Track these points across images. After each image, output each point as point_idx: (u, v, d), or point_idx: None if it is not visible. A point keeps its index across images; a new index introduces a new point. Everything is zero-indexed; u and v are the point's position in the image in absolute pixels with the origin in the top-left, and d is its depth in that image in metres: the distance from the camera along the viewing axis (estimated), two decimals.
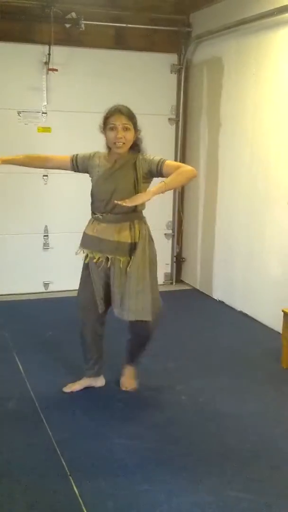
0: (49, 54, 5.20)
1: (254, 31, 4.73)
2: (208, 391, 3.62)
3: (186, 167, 3.11)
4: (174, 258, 6.19)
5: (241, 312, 5.16)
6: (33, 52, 5.28)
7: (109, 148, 3.24)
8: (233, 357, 4.19)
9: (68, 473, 2.71)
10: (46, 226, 5.60)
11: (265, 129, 4.70)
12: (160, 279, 6.14)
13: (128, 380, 3.58)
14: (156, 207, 6.09)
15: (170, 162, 3.17)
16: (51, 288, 5.70)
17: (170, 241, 6.16)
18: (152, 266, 3.27)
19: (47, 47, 5.19)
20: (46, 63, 5.25)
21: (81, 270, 3.41)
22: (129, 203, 2.96)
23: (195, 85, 5.78)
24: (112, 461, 2.83)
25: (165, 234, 6.10)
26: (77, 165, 3.26)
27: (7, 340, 4.38)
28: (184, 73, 5.79)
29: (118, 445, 2.97)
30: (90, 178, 3.28)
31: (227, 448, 2.97)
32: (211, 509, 2.48)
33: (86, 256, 3.30)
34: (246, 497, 2.56)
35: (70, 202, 5.55)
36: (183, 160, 5.97)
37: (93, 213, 3.30)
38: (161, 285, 6.01)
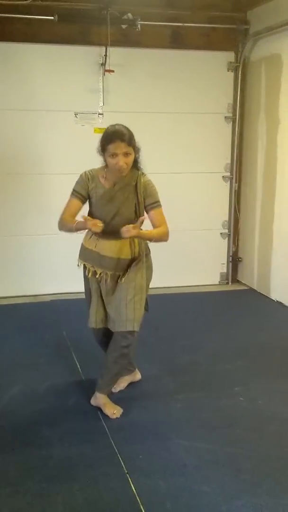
0: (105, 55, 5.24)
1: None
2: (267, 393, 3.56)
3: (165, 231, 3.14)
4: (230, 257, 6.13)
5: None
6: (89, 53, 5.34)
7: (106, 166, 3.19)
8: None
9: (126, 472, 2.72)
10: None
11: None
12: (216, 279, 6.12)
13: (112, 407, 3.34)
14: (212, 207, 6.11)
15: (157, 213, 3.17)
16: None
17: (226, 240, 6.10)
18: (144, 277, 3.25)
19: (103, 48, 5.24)
20: (103, 64, 5.29)
21: (85, 284, 3.38)
22: (127, 234, 2.95)
23: (252, 83, 5.70)
24: (171, 461, 2.82)
25: (221, 233, 6.05)
26: (83, 197, 3.20)
27: (65, 339, 4.43)
28: (241, 71, 5.72)
29: (177, 445, 2.96)
30: (89, 199, 3.23)
31: (287, 451, 2.91)
32: None
33: (88, 270, 3.26)
34: None
35: None
36: (240, 159, 5.91)
37: None
38: (216, 285, 6.05)
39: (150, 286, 3.36)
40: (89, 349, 4.23)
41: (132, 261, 3.20)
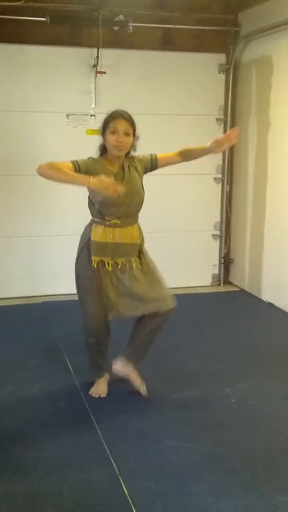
0: (97, 57, 5.24)
1: None
2: (257, 394, 3.57)
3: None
4: (222, 259, 6.14)
5: None
6: (81, 55, 5.34)
7: (103, 152, 3.24)
8: (283, 359, 4.12)
9: (118, 473, 2.72)
10: None
11: None
12: (208, 280, 6.13)
13: (142, 381, 3.49)
14: (204, 208, 6.12)
15: (161, 154, 3.30)
16: None
17: (218, 242, 6.11)
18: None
19: (95, 50, 5.24)
20: (95, 66, 5.29)
21: (82, 282, 3.35)
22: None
23: (243, 85, 5.72)
24: (162, 462, 2.82)
25: (212, 235, 6.06)
26: (78, 171, 3.11)
27: (57, 341, 4.43)
28: (232, 73, 5.74)
29: (168, 446, 2.96)
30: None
31: (278, 452, 2.92)
32: None
33: (106, 263, 3.23)
34: None
35: None
36: (231, 160, 5.93)
37: (105, 220, 3.20)
38: (208, 286, 6.07)
39: None
40: (81, 350, 4.23)
41: (140, 246, 3.30)
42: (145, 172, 3.30)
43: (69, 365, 3.98)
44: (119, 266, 3.24)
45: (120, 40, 5.38)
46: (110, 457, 2.86)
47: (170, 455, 2.89)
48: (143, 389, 3.47)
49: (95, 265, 3.24)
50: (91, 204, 3.26)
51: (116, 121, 3.12)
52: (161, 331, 3.38)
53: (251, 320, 5.10)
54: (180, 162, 3.34)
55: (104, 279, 3.27)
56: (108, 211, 3.19)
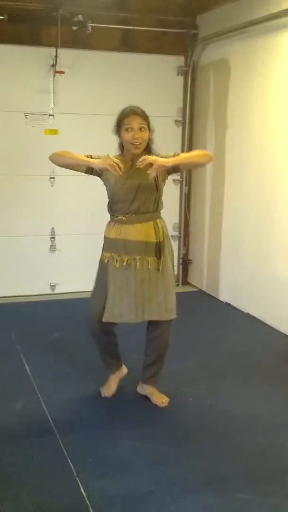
0: (56, 56, 5.21)
1: (261, 33, 4.73)
2: (215, 393, 3.61)
3: (202, 150, 3.18)
4: (181, 260, 6.19)
5: (248, 314, 5.14)
6: (40, 54, 5.30)
7: (121, 150, 3.24)
8: (240, 359, 4.18)
9: (75, 474, 2.71)
10: (53, 228, 5.61)
11: (272, 131, 4.70)
12: None
13: (160, 396, 3.46)
14: (163, 209, 6.14)
15: (184, 153, 3.21)
16: (58, 290, 5.70)
17: (177, 243, 6.15)
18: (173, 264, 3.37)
19: (54, 49, 5.20)
20: (53, 65, 5.26)
21: (97, 278, 3.33)
22: (156, 166, 2.94)
23: (202, 87, 5.78)
24: (120, 462, 2.83)
25: (171, 235, 6.03)
26: (92, 167, 3.13)
27: (14, 342, 4.39)
28: (190, 75, 5.79)
29: (126, 446, 2.97)
30: (105, 182, 3.22)
31: (235, 450, 2.96)
32: (219, 511, 2.47)
33: (115, 260, 3.20)
34: (255, 500, 2.55)
35: (76, 204, 5.57)
36: None
37: (114, 216, 3.24)
38: None
39: None
40: (38, 351, 4.22)
41: (158, 245, 3.20)
42: (168, 173, 3.20)
43: (26, 366, 3.94)
44: (124, 264, 3.17)
45: (79, 40, 5.36)
46: (68, 459, 2.84)
47: (129, 455, 2.89)
48: (163, 403, 3.42)
49: (106, 261, 3.23)
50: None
51: (130, 118, 3.11)
52: (168, 343, 3.38)
53: (208, 319, 5.15)
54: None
55: (113, 277, 3.21)
56: (116, 207, 3.20)
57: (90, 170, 3.17)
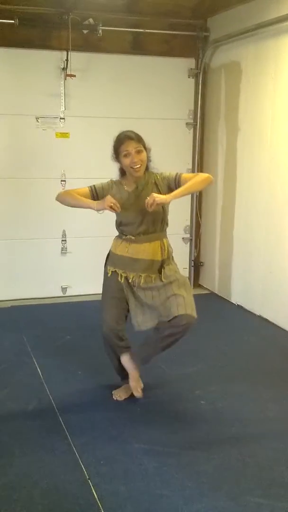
0: (67, 60, 5.23)
1: (272, 35, 4.72)
2: (227, 396, 3.60)
3: (203, 175, 3.25)
4: (192, 262, 6.18)
5: (260, 317, 5.13)
6: (51, 58, 5.32)
7: (123, 174, 3.33)
8: (253, 362, 4.16)
9: (87, 477, 2.71)
10: (64, 231, 5.62)
11: (284, 133, 4.68)
12: None
13: (139, 383, 3.51)
14: (174, 212, 6.10)
15: (186, 174, 3.29)
16: (69, 292, 5.72)
17: (188, 245, 6.15)
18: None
19: (65, 53, 5.23)
20: (64, 69, 5.28)
21: (105, 291, 3.41)
22: (156, 203, 3.05)
23: (212, 90, 5.77)
24: (131, 465, 2.82)
25: (182, 238, 6.10)
26: (97, 195, 3.28)
27: (26, 344, 4.40)
28: (201, 77, 5.79)
29: (138, 449, 2.96)
30: None
31: (247, 453, 2.95)
32: None
33: (120, 275, 3.31)
34: (266, 503, 2.54)
35: None
36: (201, 164, 5.96)
37: (123, 234, 3.34)
38: None
39: None
40: (50, 354, 4.23)
41: (162, 263, 3.31)
42: (170, 190, 3.26)
43: (38, 369, 3.95)
44: (130, 280, 3.29)
45: (90, 43, 5.38)
46: (80, 461, 2.84)
47: (140, 458, 2.89)
48: (137, 390, 3.45)
49: (110, 274, 3.35)
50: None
51: (125, 144, 3.19)
52: (175, 342, 3.35)
53: (220, 322, 5.13)
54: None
55: (125, 290, 3.33)
56: (125, 228, 3.31)
57: (96, 198, 3.28)
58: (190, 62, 5.80)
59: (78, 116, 5.48)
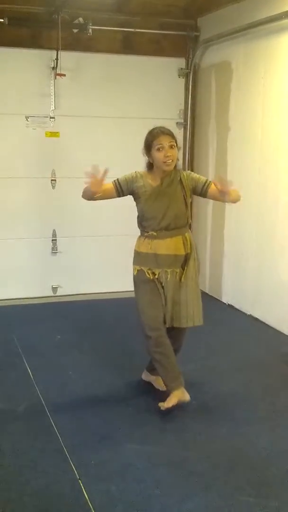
0: (56, 59, 5.21)
1: (262, 35, 4.73)
2: (218, 396, 3.60)
3: (238, 193, 3.29)
4: None
5: (250, 316, 5.14)
6: (41, 57, 5.30)
7: (150, 168, 3.32)
8: (244, 361, 4.17)
9: (78, 477, 2.70)
10: (54, 231, 5.60)
11: (274, 133, 4.69)
12: None
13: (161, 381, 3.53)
14: None
15: (214, 187, 3.28)
16: (60, 292, 5.70)
17: None
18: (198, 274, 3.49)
19: (55, 52, 5.21)
20: (54, 68, 5.26)
21: (137, 288, 3.39)
22: (225, 188, 3.12)
23: (203, 89, 5.78)
24: (122, 465, 2.82)
25: None
26: (122, 189, 3.29)
27: (16, 344, 4.38)
28: (192, 77, 5.78)
29: (129, 449, 2.96)
30: (136, 199, 3.33)
31: (238, 453, 2.95)
32: None
33: (146, 272, 3.32)
34: (257, 502, 2.54)
35: (78, 206, 5.54)
36: (191, 164, 5.97)
37: (145, 231, 3.35)
38: None
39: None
40: (40, 354, 4.21)
41: (186, 256, 3.33)
42: (194, 193, 3.34)
43: (28, 369, 3.93)
44: (156, 276, 3.30)
45: (80, 42, 5.36)
46: (71, 462, 2.83)
47: (131, 458, 2.88)
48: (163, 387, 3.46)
49: (135, 273, 3.36)
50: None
51: (160, 138, 3.21)
52: (181, 345, 3.46)
53: (211, 322, 5.09)
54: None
55: (158, 286, 3.33)
56: (147, 223, 3.32)
57: (121, 193, 3.30)
58: (181, 62, 5.80)
59: (68, 116, 5.46)
